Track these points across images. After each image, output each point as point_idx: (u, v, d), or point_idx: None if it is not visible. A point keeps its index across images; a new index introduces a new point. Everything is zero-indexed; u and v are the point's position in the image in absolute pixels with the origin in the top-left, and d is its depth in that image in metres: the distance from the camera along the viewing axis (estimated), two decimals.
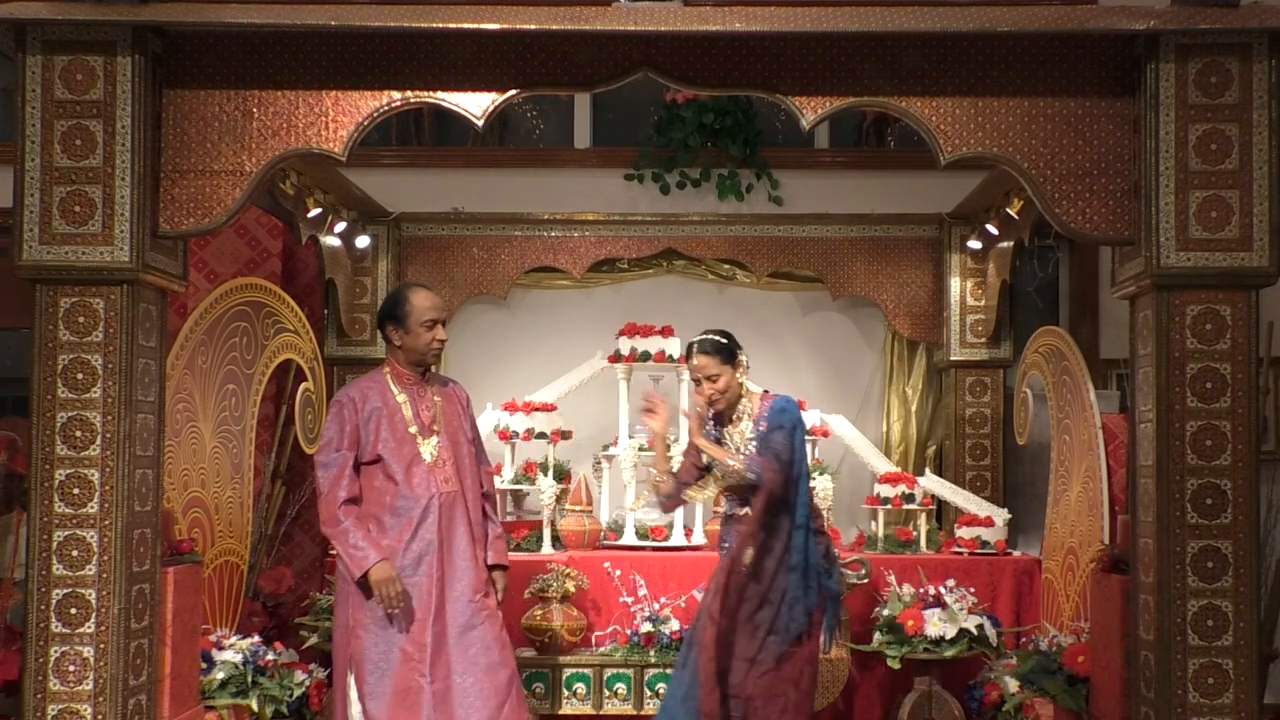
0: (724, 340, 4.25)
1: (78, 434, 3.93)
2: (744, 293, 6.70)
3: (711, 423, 4.34)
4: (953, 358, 6.41)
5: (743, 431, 4.24)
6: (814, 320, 6.73)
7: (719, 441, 4.27)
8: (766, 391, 4.34)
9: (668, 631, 5.31)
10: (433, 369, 4.42)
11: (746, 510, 4.18)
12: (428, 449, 4.24)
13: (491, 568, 4.30)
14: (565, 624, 5.29)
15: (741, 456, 4.15)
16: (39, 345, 3.95)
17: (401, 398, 4.26)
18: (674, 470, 4.37)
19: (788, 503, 4.11)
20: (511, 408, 5.87)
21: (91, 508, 3.93)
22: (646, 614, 5.36)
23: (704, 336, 4.26)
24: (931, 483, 6.05)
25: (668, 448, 4.37)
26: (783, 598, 4.07)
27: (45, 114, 3.93)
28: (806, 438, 5.30)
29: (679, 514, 5.81)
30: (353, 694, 4.12)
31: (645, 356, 5.83)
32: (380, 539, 4.13)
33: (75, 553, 3.92)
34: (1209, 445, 3.93)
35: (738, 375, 4.24)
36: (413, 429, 4.23)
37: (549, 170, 6.78)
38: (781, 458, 4.09)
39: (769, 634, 4.06)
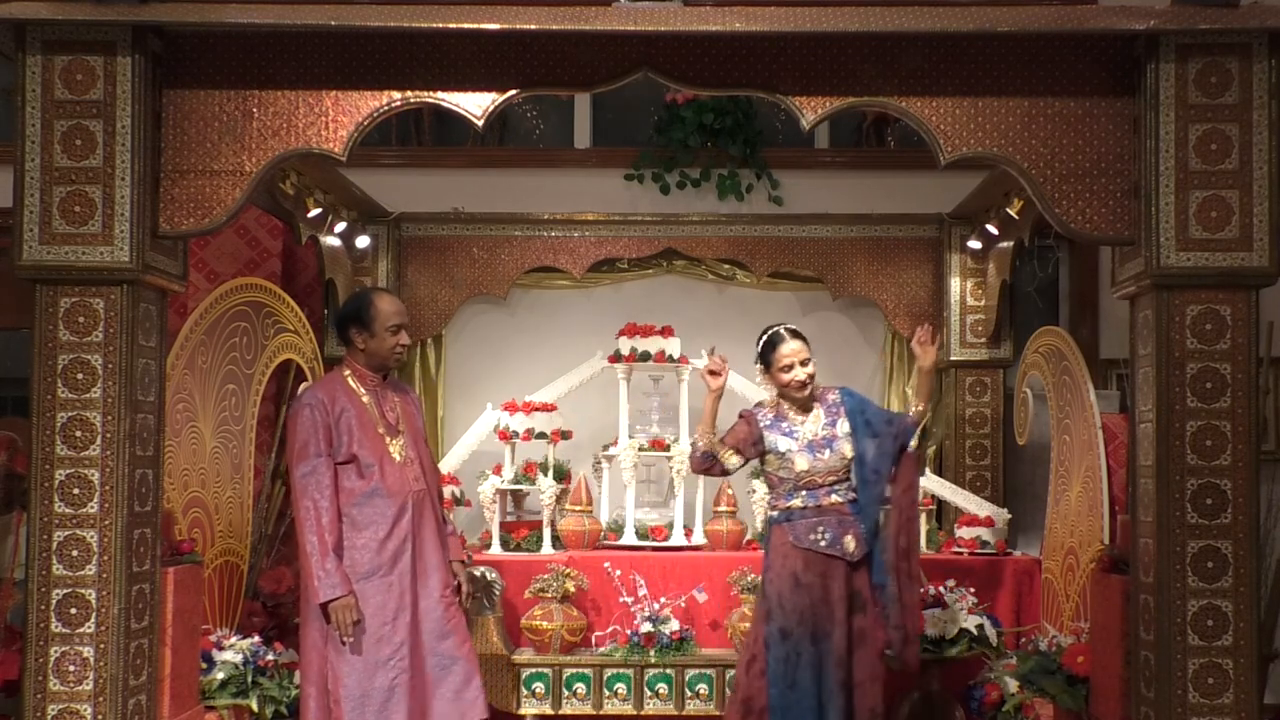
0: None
1: (78, 434, 3.93)
2: (744, 293, 6.70)
3: (772, 416, 4.44)
4: (953, 358, 6.41)
5: (816, 418, 4.41)
6: (814, 320, 6.72)
7: (790, 434, 4.39)
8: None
9: (668, 631, 5.31)
10: (393, 373, 4.45)
11: (835, 498, 4.34)
12: (395, 448, 4.27)
13: (451, 562, 4.38)
14: (565, 624, 5.29)
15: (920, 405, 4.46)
16: (39, 345, 3.95)
17: (366, 399, 4.28)
18: (717, 433, 4.45)
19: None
20: (511, 408, 5.87)
21: (91, 508, 3.93)
22: (646, 614, 5.36)
23: (786, 326, 4.48)
24: (931, 483, 6.05)
25: (716, 409, 4.42)
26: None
27: (45, 114, 3.93)
28: None
29: (679, 514, 5.82)
30: (330, 700, 4.12)
31: (645, 356, 5.83)
32: (355, 538, 4.15)
33: (75, 553, 3.92)
34: (1209, 445, 3.93)
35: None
36: (380, 429, 4.26)
37: (549, 170, 6.78)
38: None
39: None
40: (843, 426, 4.39)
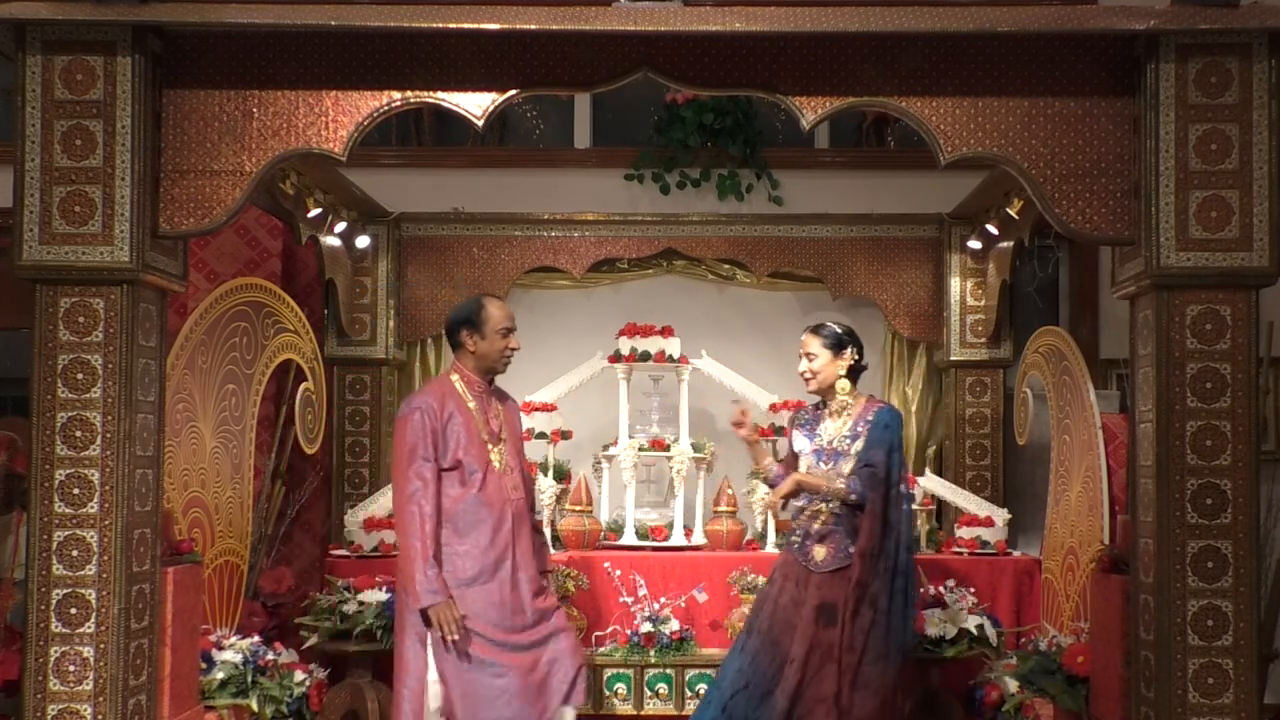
0: (839, 331, 4.45)
1: (78, 434, 3.93)
2: (744, 293, 6.70)
3: (810, 415, 4.50)
4: (953, 358, 6.41)
5: (839, 428, 4.37)
6: (814, 320, 6.69)
7: (811, 436, 4.42)
8: (872, 397, 4.49)
9: (668, 631, 5.31)
10: (496, 381, 4.46)
11: (821, 505, 4.31)
12: (497, 457, 4.29)
13: (541, 573, 4.41)
14: None
15: (841, 481, 4.27)
16: (39, 345, 3.95)
17: (473, 405, 4.30)
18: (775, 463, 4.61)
19: (888, 521, 4.26)
20: None
21: (91, 508, 3.93)
22: (646, 614, 5.36)
23: (822, 322, 4.52)
24: (931, 483, 6.05)
25: (755, 453, 4.58)
26: (886, 619, 4.21)
27: (45, 114, 3.93)
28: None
29: (679, 514, 5.82)
30: (431, 700, 4.13)
31: (645, 356, 5.83)
32: (457, 545, 4.17)
33: (75, 553, 3.92)
34: (1209, 445, 3.93)
35: (838, 366, 4.39)
36: (484, 436, 4.28)
37: (549, 170, 6.78)
38: (877, 476, 4.24)
39: (865, 652, 4.17)
40: (859, 446, 4.32)
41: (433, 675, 4.15)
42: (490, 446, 4.28)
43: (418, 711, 4.14)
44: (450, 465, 4.20)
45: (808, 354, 4.42)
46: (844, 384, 4.39)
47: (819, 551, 4.28)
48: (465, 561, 4.17)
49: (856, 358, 4.43)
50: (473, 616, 4.14)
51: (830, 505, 4.31)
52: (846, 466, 4.31)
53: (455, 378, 4.35)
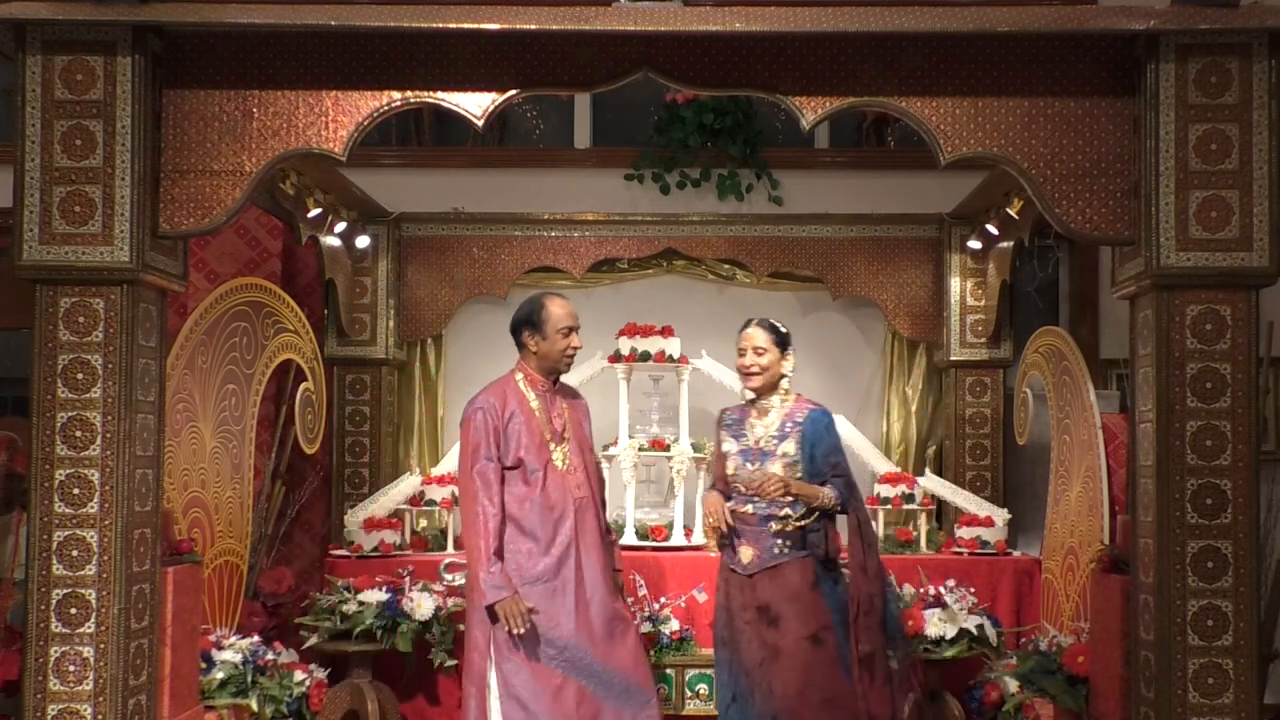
0: (782, 329, 4.37)
1: (78, 434, 3.93)
2: (744, 293, 6.70)
3: (737, 415, 4.40)
4: (953, 358, 6.41)
5: (768, 425, 4.29)
6: (814, 320, 6.72)
7: (740, 436, 4.32)
8: (800, 396, 4.38)
9: (668, 631, 5.31)
10: (562, 380, 4.46)
11: (748, 508, 4.21)
12: (560, 455, 4.29)
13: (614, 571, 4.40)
14: None
15: (830, 491, 4.20)
16: (39, 345, 3.95)
17: (536, 404, 4.30)
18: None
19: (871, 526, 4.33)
20: None
21: (91, 508, 3.93)
22: (646, 614, 5.36)
23: (765, 317, 4.41)
24: (931, 483, 6.05)
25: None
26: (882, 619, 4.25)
27: (45, 114, 3.92)
28: None
29: (679, 514, 5.81)
30: (493, 700, 4.13)
31: (645, 356, 5.83)
32: (520, 543, 4.17)
33: (75, 553, 3.92)
34: (1209, 445, 3.93)
35: (783, 363, 4.32)
36: (547, 435, 4.28)
37: (549, 170, 6.78)
38: (853, 484, 4.27)
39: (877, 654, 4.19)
40: (787, 447, 4.23)
41: (493, 686, 4.13)
42: (553, 446, 4.28)
43: (481, 709, 4.14)
44: (512, 464, 4.21)
45: (756, 348, 4.27)
46: (786, 384, 4.33)
47: (745, 553, 4.21)
48: (529, 560, 4.17)
49: (795, 359, 4.37)
50: (536, 617, 4.13)
51: (759, 508, 4.20)
52: (773, 466, 4.20)
53: (519, 376, 4.36)
